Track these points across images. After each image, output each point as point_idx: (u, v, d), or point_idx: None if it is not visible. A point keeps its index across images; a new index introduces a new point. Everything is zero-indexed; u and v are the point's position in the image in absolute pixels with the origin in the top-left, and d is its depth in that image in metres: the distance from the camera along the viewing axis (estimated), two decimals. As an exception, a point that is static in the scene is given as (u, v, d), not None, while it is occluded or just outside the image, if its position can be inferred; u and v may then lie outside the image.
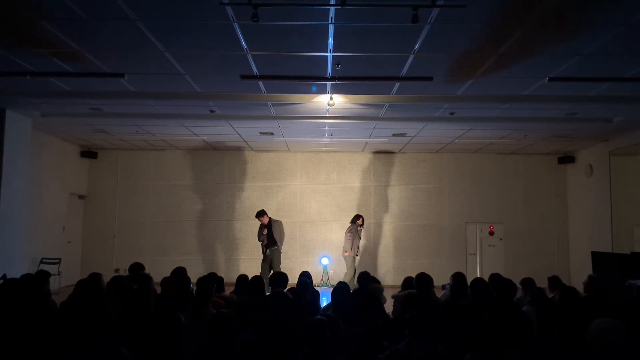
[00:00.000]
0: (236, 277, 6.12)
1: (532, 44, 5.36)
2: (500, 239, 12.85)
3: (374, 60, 5.97)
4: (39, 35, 5.24)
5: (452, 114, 8.63)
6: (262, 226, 10.72)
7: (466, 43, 5.39)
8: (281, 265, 10.48)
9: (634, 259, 8.58)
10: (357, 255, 11.21)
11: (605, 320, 2.89)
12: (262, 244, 10.67)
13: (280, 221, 10.91)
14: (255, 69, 6.35)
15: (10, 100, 8.09)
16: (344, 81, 6.71)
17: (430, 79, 6.56)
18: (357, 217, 11.32)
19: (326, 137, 11.08)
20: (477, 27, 4.96)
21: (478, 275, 10.89)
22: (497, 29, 4.99)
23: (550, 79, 6.52)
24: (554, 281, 6.32)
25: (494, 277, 5.90)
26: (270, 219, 10.80)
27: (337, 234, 12.81)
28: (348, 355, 3.45)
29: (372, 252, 12.89)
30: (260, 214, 10.77)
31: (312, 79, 6.68)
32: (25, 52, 5.85)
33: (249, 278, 5.80)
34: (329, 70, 6.34)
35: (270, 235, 10.57)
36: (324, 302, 7.14)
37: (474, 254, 12.85)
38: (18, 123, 8.87)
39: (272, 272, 9.62)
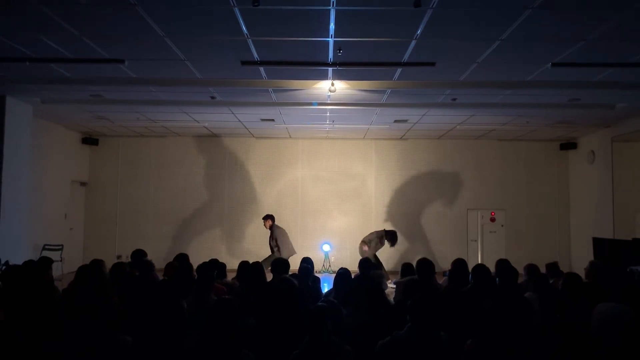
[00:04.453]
0: (238, 263, 6.14)
1: (536, 29, 5.31)
2: (502, 226, 12.85)
3: (376, 46, 5.92)
4: (38, 20, 5.19)
5: (454, 100, 8.58)
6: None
7: (469, 28, 5.33)
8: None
9: (636, 245, 8.58)
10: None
11: (608, 305, 2.89)
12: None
13: (282, 229, 10.54)
14: (256, 55, 6.30)
15: (10, 87, 8.05)
16: (346, 67, 6.66)
17: (432, 64, 6.52)
18: (394, 236, 10.81)
19: (327, 124, 11.04)
20: (480, 12, 4.90)
21: (479, 262, 10.91)
22: (500, 13, 4.94)
23: (553, 65, 6.47)
24: (553, 268, 6.32)
25: (501, 263, 5.85)
26: (272, 225, 10.45)
27: (339, 220, 12.86)
28: (350, 341, 3.46)
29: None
30: (265, 217, 10.63)
31: (313, 64, 6.63)
32: (24, 38, 5.80)
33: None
34: (331, 55, 6.29)
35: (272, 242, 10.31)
36: (325, 288, 7.16)
37: (475, 241, 12.87)
38: (18, 110, 8.83)
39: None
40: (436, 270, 5.50)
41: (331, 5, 4.77)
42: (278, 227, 10.52)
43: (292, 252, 10.18)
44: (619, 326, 2.80)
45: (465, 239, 12.91)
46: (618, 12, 4.88)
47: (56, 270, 8.23)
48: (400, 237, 12.50)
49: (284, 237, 10.36)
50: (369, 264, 6.42)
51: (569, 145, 12.65)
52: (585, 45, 5.78)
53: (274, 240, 10.29)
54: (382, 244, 10.75)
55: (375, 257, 10.47)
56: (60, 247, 10.77)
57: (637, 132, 9.90)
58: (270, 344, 3.86)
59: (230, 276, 6.40)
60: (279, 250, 10.12)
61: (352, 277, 5.56)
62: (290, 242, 10.46)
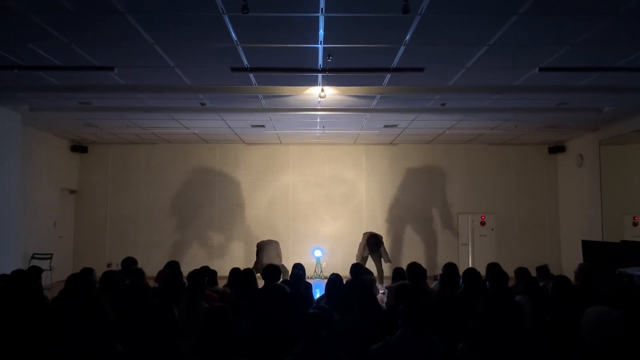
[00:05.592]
0: (229, 270, 6.12)
1: (523, 34, 5.36)
2: (492, 229, 12.93)
3: (365, 52, 5.95)
4: (27, 28, 5.17)
5: (443, 104, 8.64)
6: None
7: (457, 34, 5.38)
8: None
9: (624, 247, 8.66)
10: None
11: (599, 309, 2.91)
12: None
13: (260, 243, 10.38)
14: (245, 61, 6.31)
15: (-2, 95, 8.01)
16: (335, 73, 6.69)
17: (421, 70, 6.56)
18: (374, 240, 10.44)
19: (318, 129, 11.06)
20: (468, 17, 4.95)
21: (470, 266, 10.96)
22: (487, 19, 4.99)
23: (540, 69, 6.54)
24: (543, 271, 6.36)
25: (492, 266, 5.86)
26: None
27: (330, 226, 12.87)
28: (342, 347, 3.46)
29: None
30: None
31: (303, 70, 6.65)
32: (13, 46, 5.77)
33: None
34: (320, 62, 6.31)
35: None
36: (317, 294, 7.16)
37: (466, 244, 12.92)
38: (6, 118, 8.77)
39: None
40: (427, 274, 5.51)
41: (320, 11, 4.79)
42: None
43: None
44: (609, 330, 2.83)
45: (455, 243, 12.96)
46: (603, 18, 4.95)
47: (45, 280, 8.16)
48: (391, 242, 12.55)
49: (260, 253, 10.23)
50: (360, 269, 6.43)
51: (557, 149, 12.76)
52: (572, 50, 5.85)
53: None
54: (370, 248, 10.47)
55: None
56: (50, 255, 10.67)
57: (624, 135, 10.02)
58: (264, 350, 3.85)
59: (222, 283, 6.37)
60: None
61: (344, 282, 5.56)
62: (266, 255, 10.14)
